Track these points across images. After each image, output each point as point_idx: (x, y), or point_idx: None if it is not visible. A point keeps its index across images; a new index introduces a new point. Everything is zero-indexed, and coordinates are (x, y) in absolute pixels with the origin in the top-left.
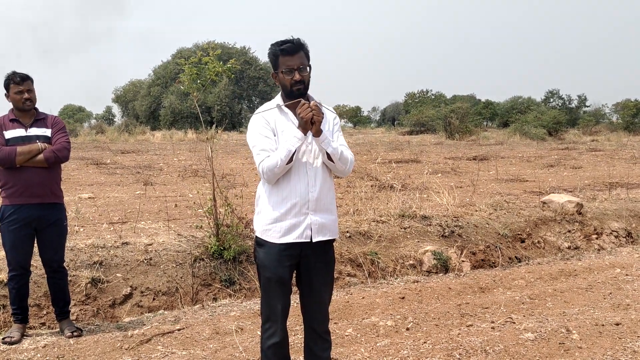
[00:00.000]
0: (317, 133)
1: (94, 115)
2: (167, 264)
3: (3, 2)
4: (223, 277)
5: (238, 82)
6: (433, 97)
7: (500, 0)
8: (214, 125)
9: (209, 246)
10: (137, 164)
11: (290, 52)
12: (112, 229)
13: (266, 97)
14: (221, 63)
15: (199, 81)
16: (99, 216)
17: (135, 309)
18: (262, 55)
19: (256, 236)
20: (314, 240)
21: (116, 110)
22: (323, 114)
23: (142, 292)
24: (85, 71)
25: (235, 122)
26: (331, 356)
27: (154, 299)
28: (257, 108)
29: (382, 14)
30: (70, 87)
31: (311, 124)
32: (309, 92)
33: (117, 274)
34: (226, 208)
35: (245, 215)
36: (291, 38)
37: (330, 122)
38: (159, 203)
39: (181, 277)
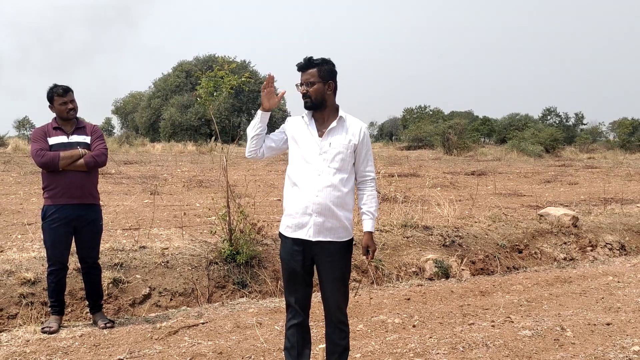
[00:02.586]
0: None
1: None
2: (183, 267)
3: (13, 7)
4: (236, 279)
5: (237, 95)
6: (431, 112)
7: (498, 18)
8: (213, 138)
9: (223, 250)
10: (142, 174)
11: (301, 68)
12: (126, 234)
13: None
14: (236, 76)
15: (215, 94)
16: (111, 222)
17: (154, 309)
18: (262, 69)
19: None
20: (313, 240)
21: (115, 121)
22: (374, 251)
23: (160, 292)
24: (85, 82)
25: (234, 135)
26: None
27: (171, 299)
28: None
29: (379, 30)
30: None
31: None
32: (341, 107)
33: (137, 275)
34: (239, 215)
35: (257, 222)
36: (306, 56)
37: (355, 134)
38: (167, 212)
39: (197, 279)
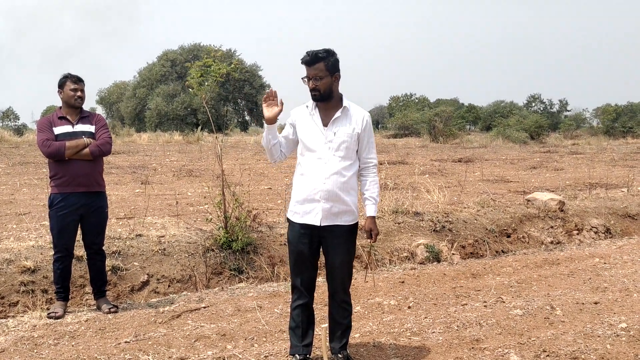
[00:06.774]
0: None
1: None
2: (179, 254)
3: None
4: (232, 266)
5: (224, 84)
6: (417, 100)
7: (482, 6)
8: (200, 127)
9: (218, 238)
10: (131, 164)
11: (307, 63)
12: (120, 223)
13: (252, 100)
14: (225, 64)
15: (207, 83)
16: None
17: (152, 295)
18: (248, 58)
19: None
20: (322, 225)
21: (100, 111)
22: (377, 234)
23: (158, 279)
24: (69, 71)
25: (221, 124)
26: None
27: (169, 286)
28: (242, 110)
29: (365, 20)
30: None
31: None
32: (345, 96)
33: (135, 263)
34: (235, 202)
35: (253, 209)
36: (311, 51)
37: (359, 122)
38: (159, 201)
39: (193, 266)
